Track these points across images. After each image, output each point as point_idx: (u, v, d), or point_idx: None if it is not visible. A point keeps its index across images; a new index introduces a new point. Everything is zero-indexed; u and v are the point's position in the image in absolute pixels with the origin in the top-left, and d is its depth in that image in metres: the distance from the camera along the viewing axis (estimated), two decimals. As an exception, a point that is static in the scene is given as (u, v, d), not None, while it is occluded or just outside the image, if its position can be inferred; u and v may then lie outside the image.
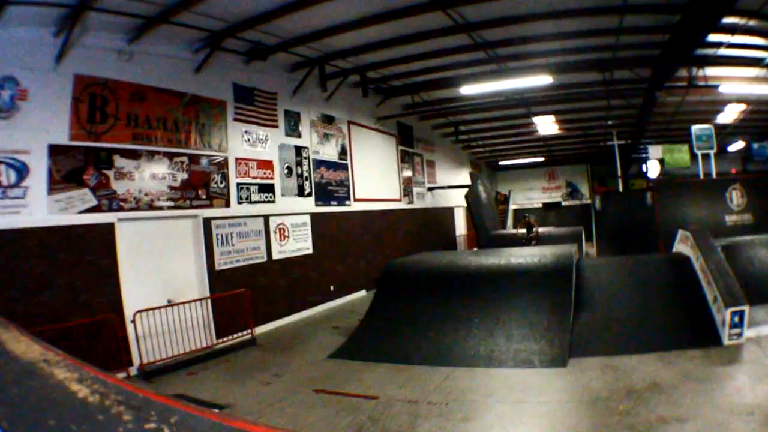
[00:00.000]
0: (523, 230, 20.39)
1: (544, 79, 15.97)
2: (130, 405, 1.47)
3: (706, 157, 20.70)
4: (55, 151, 9.25)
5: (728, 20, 12.26)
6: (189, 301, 11.17)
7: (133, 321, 9.89)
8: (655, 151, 25.56)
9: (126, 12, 9.64)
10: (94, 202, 9.83)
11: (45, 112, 9.16)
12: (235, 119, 13.15)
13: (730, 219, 17.68)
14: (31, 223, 8.81)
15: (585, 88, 18.80)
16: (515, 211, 36.04)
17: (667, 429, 5.81)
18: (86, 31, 9.76)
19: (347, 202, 17.82)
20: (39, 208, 8.96)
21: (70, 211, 9.41)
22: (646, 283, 10.62)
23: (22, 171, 8.75)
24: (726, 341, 8.82)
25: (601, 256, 20.47)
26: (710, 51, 14.80)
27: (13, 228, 8.58)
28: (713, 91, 17.83)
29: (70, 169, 9.47)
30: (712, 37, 13.57)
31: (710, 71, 16.41)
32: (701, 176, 21.05)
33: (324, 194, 16.54)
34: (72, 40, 9.46)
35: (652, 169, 28.23)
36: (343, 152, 17.75)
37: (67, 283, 9.23)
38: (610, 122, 23.89)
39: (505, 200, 37.01)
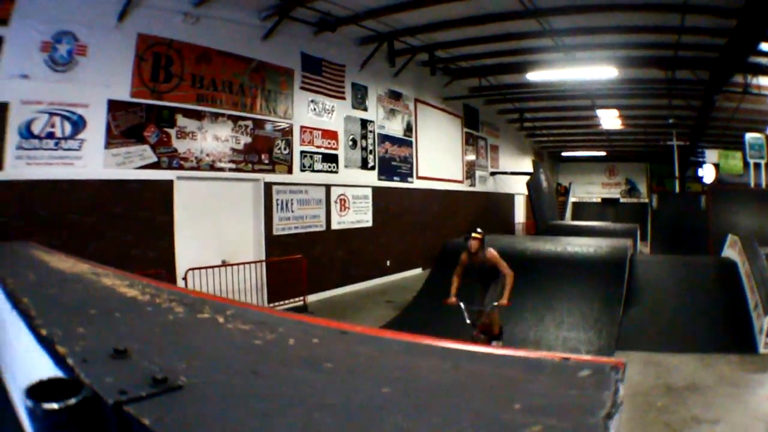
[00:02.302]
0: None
1: (609, 71, 14.63)
2: (183, 302, 1.57)
3: (757, 166, 19.07)
4: (114, 106, 8.35)
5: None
6: (243, 263, 10.20)
7: (185, 278, 8.95)
8: (711, 155, 23.62)
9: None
10: (153, 159, 8.92)
11: (105, 68, 8.25)
12: (302, 88, 12.00)
13: (778, 230, 15.92)
14: (85, 175, 7.96)
15: (648, 85, 17.14)
16: (574, 203, 34.11)
17: (700, 429, 5.44)
18: (151, -9, 8.82)
19: (410, 179, 16.44)
20: (94, 161, 8.10)
21: (127, 165, 8.53)
22: (693, 283, 9.65)
23: (78, 124, 7.87)
24: (761, 349, 7.92)
25: (654, 254, 18.83)
26: (764, 60, 13.29)
27: (65, 179, 7.75)
28: (766, 101, 16.37)
29: (130, 125, 8.56)
30: (765, 46, 12.29)
31: (764, 80, 14.89)
32: (752, 185, 19.40)
33: (387, 169, 15.25)
34: (135, 0, 8.55)
35: (708, 174, 25.84)
36: (408, 129, 16.36)
37: (118, 237, 8.37)
38: (670, 120, 21.88)
39: (566, 192, 34.78)
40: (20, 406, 2.08)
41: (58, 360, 1.00)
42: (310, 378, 1.02)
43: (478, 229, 7.22)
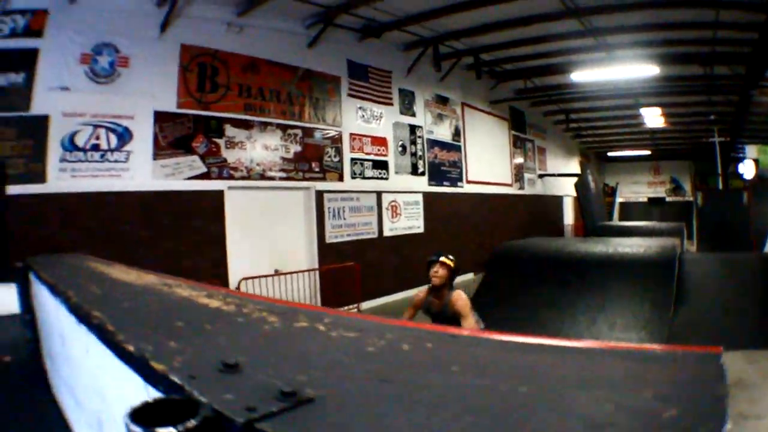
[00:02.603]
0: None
1: (650, 69, 13.83)
2: (274, 311, 1.42)
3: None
4: (161, 117, 7.90)
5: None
6: (296, 272, 9.59)
7: (238, 288, 8.39)
8: (750, 151, 22.23)
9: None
10: (203, 169, 8.43)
11: (149, 80, 7.83)
12: (350, 95, 11.38)
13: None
14: (133, 187, 7.51)
15: (688, 82, 16.09)
16: (621, 204, 32.77)
17: (746, 425, 5.12)
18: (191, 2, 8.33)
19: (459, 184, 15.58)
20: (142, 173, 7.64)
21: (176, 176, 8.05)
22: (736, 281, 8.91)
23: (124, 136, 7.43)
24: (804, 346, 7.29)
25: (700, 252, 17.74)
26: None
27: (112, 191, 7.31)
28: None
29: (177, 135, 8.09)
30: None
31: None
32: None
33: (437, 174, 14.47)
34: (176, 10, 8.06)
35: (748, 169, 24.28)
36: (456, 133, 15.56)
37: (169, 247, 7.86)
38: (712, 117, 20.64)
39: (613, 192, 33.32)
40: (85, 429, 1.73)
41: (153, 378, 0.90)
42: (442, 382, 0.93)
43: (450, 256, 4.92)
